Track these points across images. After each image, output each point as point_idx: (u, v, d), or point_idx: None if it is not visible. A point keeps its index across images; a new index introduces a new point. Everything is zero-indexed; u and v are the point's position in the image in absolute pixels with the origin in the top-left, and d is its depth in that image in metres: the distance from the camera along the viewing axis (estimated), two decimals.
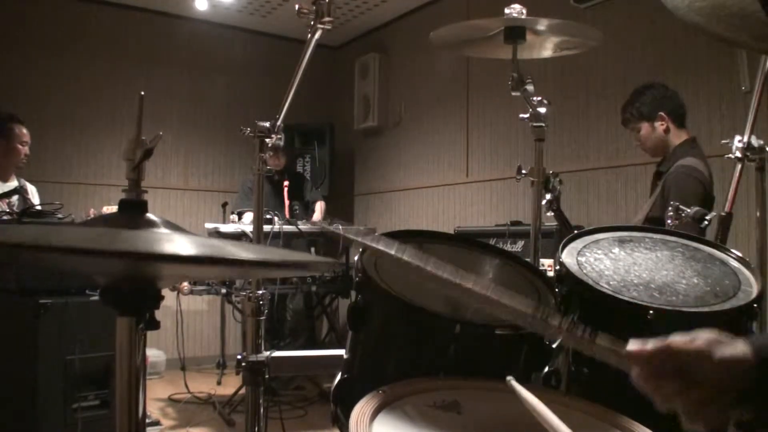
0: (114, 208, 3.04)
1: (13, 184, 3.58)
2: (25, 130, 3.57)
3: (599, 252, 1.33)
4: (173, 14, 5.48)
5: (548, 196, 1.87)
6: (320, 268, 3.52)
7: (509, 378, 0.92)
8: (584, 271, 1.25)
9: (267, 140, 1.85)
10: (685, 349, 0.71)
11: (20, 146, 3.54)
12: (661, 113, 2.69)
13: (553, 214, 2.03)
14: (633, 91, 2.82)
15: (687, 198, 2.42)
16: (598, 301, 1.20)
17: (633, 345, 0.73)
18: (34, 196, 3.67)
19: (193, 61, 5.59)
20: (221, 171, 5.79)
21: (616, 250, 1.35)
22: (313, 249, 4.16)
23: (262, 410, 1.74)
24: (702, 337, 0.72)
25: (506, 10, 1.73)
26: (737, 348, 0.72)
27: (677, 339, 0.72)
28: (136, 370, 0.81)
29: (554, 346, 1.18)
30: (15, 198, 3.45)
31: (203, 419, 3.87)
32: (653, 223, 2.56)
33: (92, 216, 3.42)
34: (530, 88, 1.78)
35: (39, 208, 3.10)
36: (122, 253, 0.63)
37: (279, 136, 4.61)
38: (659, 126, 2.70)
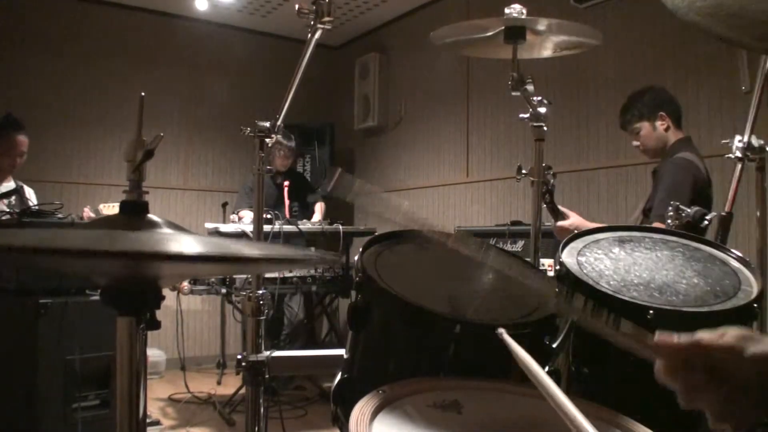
0: (111, 206, 3.01)
1: (11, 185, 3.56)
2: (22, 138, 3.48)
3: (599, 252, 1.33)
4: (173, 14, 5.48)
5: (544, 187, 1.87)
6: (321, 262, 3.46)
7: (500, 330, 0.91)
8: (584, 270, 1.25)
9: (268, 140, 1.85)
10: (716, 344, 0.69)
11: (9, 158, 3.47)
12: (662, 113, 2.70)
13: (545, 206, 2.03)
14: (630, 95, 2.82)
15: (676, 187, 2.44)
16: (598, 301, 1.20)
17: (661, 336, 0.71)
18: (31, 197, 3.65)
19: (193, 61, 5.59)
20: (221, 171, 5.79)
21: (616, 249, 1.35)
22: (313, 249, 4.16)
23: (262, 410, 1.74)
24: (732, 333, 0.70)
25: (506, 10, 1.73)
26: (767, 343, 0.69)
27: (706, 334, 0.70)
28: (137, 369, 0.81)
29: (554, 346, 1.18)
30: (13, 198, 3.44)
31: (203, 419, 3.87)
32: (647, 214, 2.57)
33: (87, 214, 3.41)
34: (530, 88, 1.78)
35: (38, 208, 3.09)
36: (125, 253, 0.63)
37: (290, 138, 4.62)
38: (660, 125, 2.70)
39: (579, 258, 1.30)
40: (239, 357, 1.73)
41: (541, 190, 1.85)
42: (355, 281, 1.19)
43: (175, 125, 5.43)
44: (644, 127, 2.74)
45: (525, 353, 0.85)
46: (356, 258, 1.20)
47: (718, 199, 2.49)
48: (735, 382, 0.68)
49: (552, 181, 1.91)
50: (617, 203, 3.75)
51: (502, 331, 0.90)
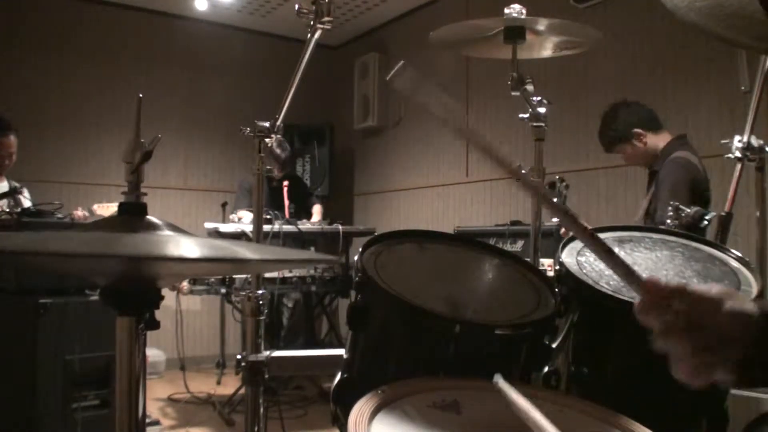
0: (106, 206, 2.99)
1: (4, 185, 3.55)
2: (10, 139, 3.47)
3: None
4: (173, 14, 5.48)
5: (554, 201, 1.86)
6: (317, 263, 3.46)
7: (496, 377, 0.91)
8: (584, 270, 1.25)
9: (267, 140, 1.85)
10: (699, 292, 0.73)
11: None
12: (635, 130, 2.72)
13: (559, 219, 2.03)
14: (602, 119, 2.86)
15: (677, 187, 2.45)
16: (598, 301, 1.20)
17: (650, 277, 0.74)
18: (27, 196, 3.65)
19: (193, 61, 5.59)
20: (221, 171, 5.79)
21: (615, 250, 1.35)
22: (312, 249, 4.17)
23: (261, 410, 1.74)
24: (717, 288, 0.74)
25: (506, 10, 1.73)
26: (747, 303, 0.73)
27: (694, 286, 0.74)
28: (136, 370, 0.81)
29: (554, 346, 1.18)
30: (8, 201, 3.43)
31: (203, 419, 3.87)
32: (649, 217, 2.57)
33: (79, 214, 3.40)
34: (530, 88, 1.78)
35: (37, 208, 3.09)
36: (125, 256, 0.63)
37: (285, 149, 4.59)
38: (638, 143, 2.73)
39: (579, 258, 1.30)
40: (239, 357, 1.73)
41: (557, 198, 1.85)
42: (354, 281, 1.19)
43: (175, 125, 5.43)
44: (625, 148, 2.78)
45: (523, 400, 0.85)
46: (356, 258, 1.20)
47: (718, 199, 2.50)
48: (709, 331, 0.70)
49: (564, 192, 1.92)
50: (617, 203, 3.74)
51: (497, 378, 0.90)
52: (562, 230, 2.31)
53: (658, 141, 2.71)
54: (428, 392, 0.94)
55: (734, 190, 1.93)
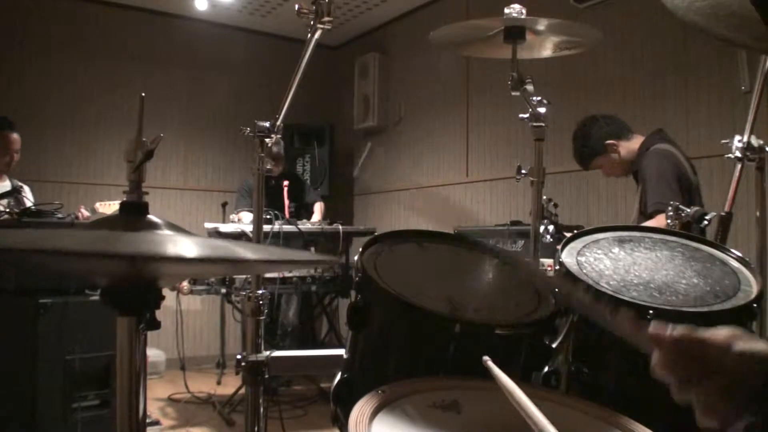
0: (108, 204, 3.02)
1: (6, 185, 3.57)
2: (15, 136, 3.55)
3: (599, 252, 1.33)
4: (173, 14, 5.48)
5: (545, 222, 1.86)
6: (316, 264, 3.46)
7: (485, 358, 0.92)
8: (584, 270, 1.25)
9: (267, 140, 1.85)
10: (708, 338, 0.73)
11: (7, 155, 3.52)
12: (608, 142, 2.71)
13: (552, 240, 2.03)
14: (573, 139, 2.84)
15: (660, 173, 2.44)
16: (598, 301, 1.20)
17: (656, 328, 0.74)
18: (28, 195, 3.66)
19: (193, 61, 5.59)
20: (221, 171, 5.79)
21: (615, 249, 1.35)
22: (312, 248, 4.17)
23: (261, 410, 1.74)
24: (723, 331, 0.74)
25: (506, 10, 1.73)
26: (757, 344, 0.73)
27: (700, 330, 0.74)
28: (137, 370, 0.81)
29: (554, 346, 1.19)
30: (10, 200, 3.44)
31: (203, 419, 3.87)
32: (643, 216, 2.57)
33: (83, 214, 3.42)
34: (530, 88, 1.78)
35: (37, 208, 3.09)
36: (127, 255, 0.63)
37: (278, 144, 4.56)
38: (613, 154, 2.72)
39: (579, 258, 1.30)
40: (239, 357, 1.73)
41: (542, 222, 1.85)
42: (355, 281, 1.19)
43: (175, 125, 5.43)
44: (602, 162, 2.78)
45: (511, 381, 0.86)
46: (356, 258, 1.20)
47: (718, 199, 2.49)
48: (723, 376, 0.71)
49: (554, 211, 1.93)
50: (617, 203, 3.74)
51: (486, 358, 0.91)
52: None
53: (632, 146, 2.71)
54: (428, 392, 0.94)
55: (734, 190, 1.93)
